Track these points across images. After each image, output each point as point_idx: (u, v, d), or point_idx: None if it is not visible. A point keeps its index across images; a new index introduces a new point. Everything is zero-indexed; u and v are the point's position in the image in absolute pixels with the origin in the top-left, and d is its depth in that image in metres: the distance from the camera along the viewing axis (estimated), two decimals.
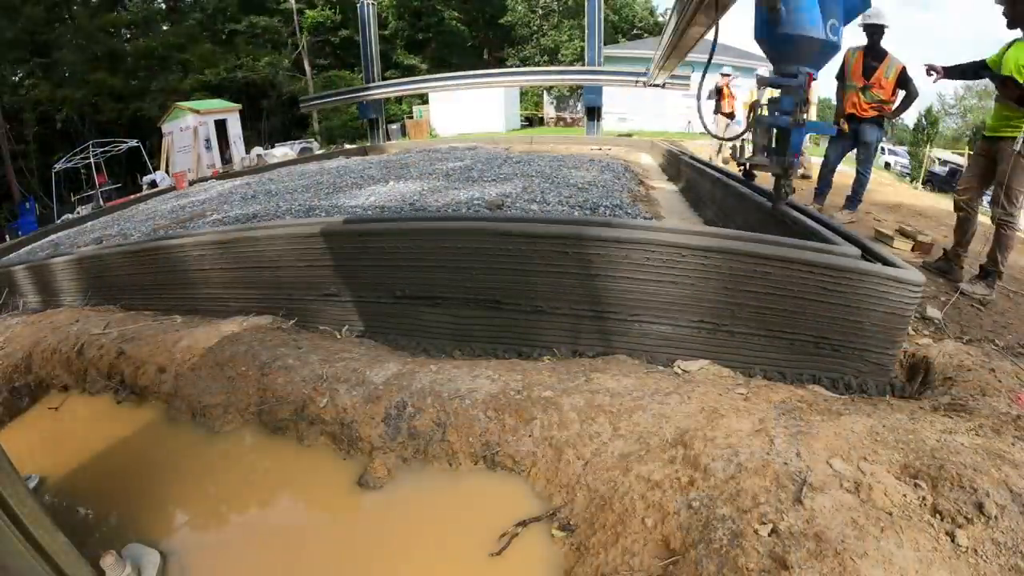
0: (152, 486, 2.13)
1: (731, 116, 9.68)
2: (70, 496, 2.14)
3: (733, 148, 3.20)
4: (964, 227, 3.58)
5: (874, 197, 7.07)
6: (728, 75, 9.69)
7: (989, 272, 3.32)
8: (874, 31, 4.71)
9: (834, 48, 2.51)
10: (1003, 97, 3.23)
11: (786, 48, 2.52)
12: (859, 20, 4.49)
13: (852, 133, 5.05)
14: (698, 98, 3.18)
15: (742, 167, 3.14)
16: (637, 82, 15.19)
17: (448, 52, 31.46)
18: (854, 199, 5.31)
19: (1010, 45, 3.15)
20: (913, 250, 4.20)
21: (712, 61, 3.07)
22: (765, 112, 2.75)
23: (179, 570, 1.75)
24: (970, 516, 1.30)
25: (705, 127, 3.35)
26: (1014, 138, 3.16)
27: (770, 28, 2.47)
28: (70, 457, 2.36)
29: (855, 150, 5.19)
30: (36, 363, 2.98)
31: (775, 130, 2.72)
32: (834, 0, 2.42)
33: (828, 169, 5.35)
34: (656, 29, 32.18)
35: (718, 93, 9.43)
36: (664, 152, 9.69)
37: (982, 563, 1.21)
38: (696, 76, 17.31)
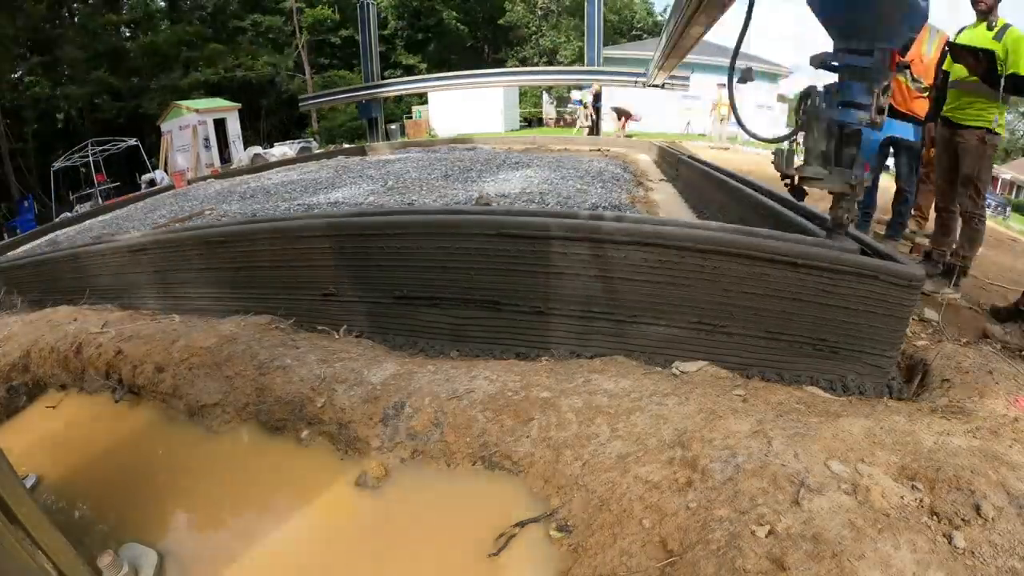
0: (150, 485, 2.13)
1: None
2: (68, 495, 2.14)
3: (776, 155, 2.27)
4: (947, 226, 3.45)
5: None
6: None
7: (953, 267, 3.20)
8: None
9: (923, 17, 1.95)
10: (969, 77, 3.04)
11: (857, 13, 1.91)
12: None
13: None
14: (729, 84, 2.59)
15: (788, 181, 2.27)
16: (636, 82, 15.28)
17: (448, 52, 31.47)
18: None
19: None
20: (911, 252, 4.21)
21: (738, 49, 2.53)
22: (823, 105, 2.07)
23: (176, 570, 1.75)
24: (967, 518, 1.31)
25: (740, 123, 2.59)
26: (979, 127, 3.04)
27: None
28: (68, 456, 2.36)
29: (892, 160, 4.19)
30: (34, 362, 2.97)
31: (839, 130, 2.03)
32: None
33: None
34: (656, 30, 32.20)
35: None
36: (663, 153, 9.70)
37: (979, 565, 1.21)
38: (695, 77, 17.39)
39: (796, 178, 2.22)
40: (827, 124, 2.04)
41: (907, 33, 2.00)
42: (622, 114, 18.16)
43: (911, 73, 3.77)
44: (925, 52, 3.77)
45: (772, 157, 2.28)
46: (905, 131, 3.87)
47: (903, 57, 3.09)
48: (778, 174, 2.27)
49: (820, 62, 2.09)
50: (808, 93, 2.15)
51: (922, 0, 1.93)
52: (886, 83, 1.99)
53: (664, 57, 7.90)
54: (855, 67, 1.92)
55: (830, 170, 2.09)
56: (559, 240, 2.38)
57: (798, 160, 2.22)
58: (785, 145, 2.32)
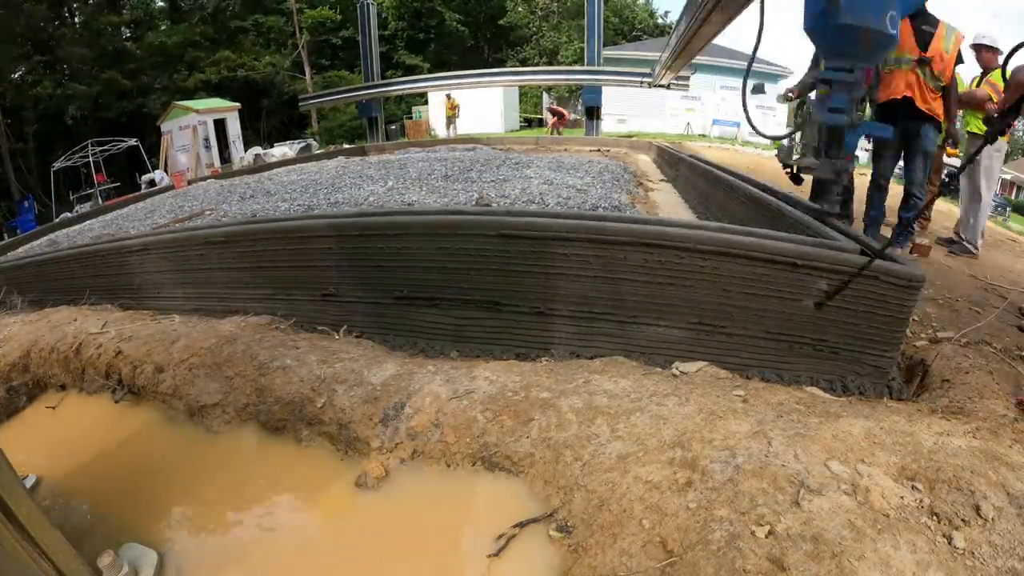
0: (149, 486, 2.13)
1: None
2: (67, 496, 2.14)
3: (779, 150, 2.99)
4: None
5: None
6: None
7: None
8: None
9: (892, 41, 2.43)
10: None
11: (842, 40, 2.37)
12: None
13: (901, 134, 3.74)
14: (743, 95, 2.94)
15: (788, 170, 3.08)
16: (642, 83, 15.28)
17: (448, 52, 31.50)
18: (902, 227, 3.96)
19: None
20: (911, 252, 4.21)
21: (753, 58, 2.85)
22: (815, 110, 2.59)
23: (176, 570, 1.75)
24: (967, 518, 1.31)
25: (752, 126, 2.99)
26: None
27: (824, 19, 2.34)
28: (67, 456, 2.36)
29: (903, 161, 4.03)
30: (34, 362, 2.98)
31: (827, 130, 2.49)
32: None
33: (878, 188, 4.11)
34: (656, 31, 32.22)
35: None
36: (663, 153, 9.71)
37: (979, 565, 1.21)
38: (695, 78, 17.41)
39: (795, 167, 2.96)
40: (818, 125, 2.58)
41: (881, 55, 2.64)
42: (555, 114, 19.19)
43: (931, 70, 3.65)
44: (944, 49, 3.64)
45: (776, 152, 3.04)
46: (928, 133, 3.83)
47: (924, 53, 3.64)
48: (779, 167, 2.97)
49: (808, 86, 2.91)
50: (804, 101, 2.82)
51: (890, 29, 2.30)
52: (862, 94, 2.53)
53: (673, 57, 7.90)
54: (841, 81, 2.42)
55: (821, 161, 2.58)
56: (559, 241, 2.38)
57: (796, 153, 2.87)
58: (786, 141, 2.98)
